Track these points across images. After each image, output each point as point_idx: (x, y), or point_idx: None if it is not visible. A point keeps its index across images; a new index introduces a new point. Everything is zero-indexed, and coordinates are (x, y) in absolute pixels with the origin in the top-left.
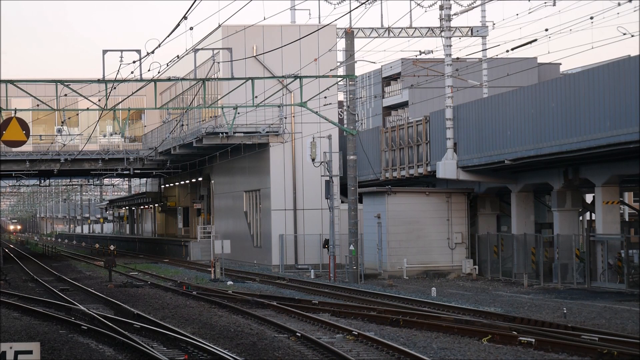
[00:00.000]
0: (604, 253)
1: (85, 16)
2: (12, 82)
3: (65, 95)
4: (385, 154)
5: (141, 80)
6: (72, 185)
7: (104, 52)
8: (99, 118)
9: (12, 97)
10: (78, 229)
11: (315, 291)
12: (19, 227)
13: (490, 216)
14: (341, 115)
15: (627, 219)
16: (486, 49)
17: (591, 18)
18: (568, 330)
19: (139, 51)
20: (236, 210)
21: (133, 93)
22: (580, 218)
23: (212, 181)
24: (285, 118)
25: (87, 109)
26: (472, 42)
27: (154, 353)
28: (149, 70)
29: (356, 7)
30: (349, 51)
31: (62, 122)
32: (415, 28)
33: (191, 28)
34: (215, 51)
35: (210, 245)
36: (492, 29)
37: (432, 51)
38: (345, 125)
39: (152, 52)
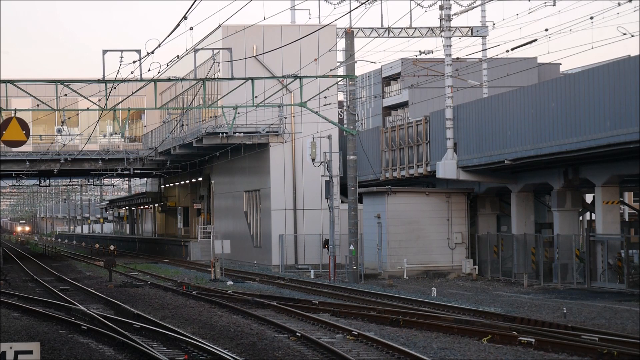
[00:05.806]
0: (604, 253)
1: (85, 16)
2: (12, 82)
3: (65, 95)
4: (385, 154)
5: (141, 80)
6: (72, 185)
7: (104, 52)
8: (99, 118)
9: (12, 97)
10: (78, 229)
11: (315, 291)
12: (27, 228)
13: (490, 216)
14: (341, 115)
15: (627, 219)
16: (486, 49)
17: (591, 18)
18: (568, 330)
19: (139, 51)
20: (236, 210)
21: (133, 93)
22: (580, 218)
23: (212, 181)
24: (285, 118)
25: (87, 109)
26: (472, 42)
27: (154, 353)
28: (149, 70)
29: (356, 7)
30: (349, 51)
31: (62, 122)
32: (415, 28)
33: (191, 28)
34: (215, 51)
35: (210, 245)
36: (492, 29)
37: (432, 51)
38: (345, 125)
39: (152, 52)
